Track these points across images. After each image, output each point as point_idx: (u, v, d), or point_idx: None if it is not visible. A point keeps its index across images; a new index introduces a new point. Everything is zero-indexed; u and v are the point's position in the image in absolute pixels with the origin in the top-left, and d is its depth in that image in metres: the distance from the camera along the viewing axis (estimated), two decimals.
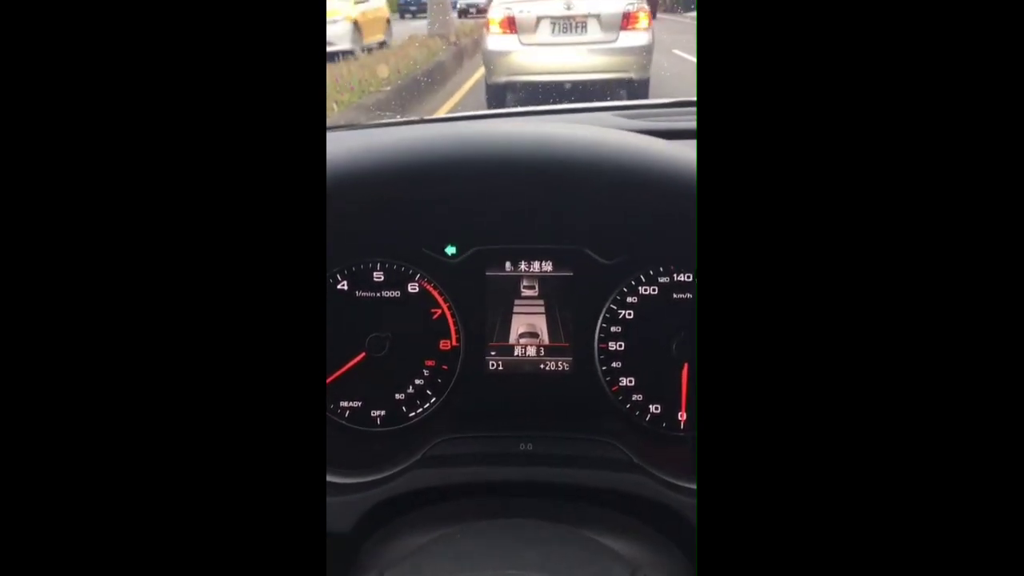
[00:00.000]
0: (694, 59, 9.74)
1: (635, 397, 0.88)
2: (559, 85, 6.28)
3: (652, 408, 0.87)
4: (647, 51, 6.22)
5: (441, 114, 4.64)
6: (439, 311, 0.88)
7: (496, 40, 6.24)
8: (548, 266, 0.88)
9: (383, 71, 6.95)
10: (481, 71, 7.96)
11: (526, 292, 0.88)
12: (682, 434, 0.87)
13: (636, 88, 6.24)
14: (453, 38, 10.96)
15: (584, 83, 6.21)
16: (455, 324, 0.88)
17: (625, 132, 0.72)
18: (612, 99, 6.18)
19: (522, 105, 6.39)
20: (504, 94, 6.57)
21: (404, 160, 0.67)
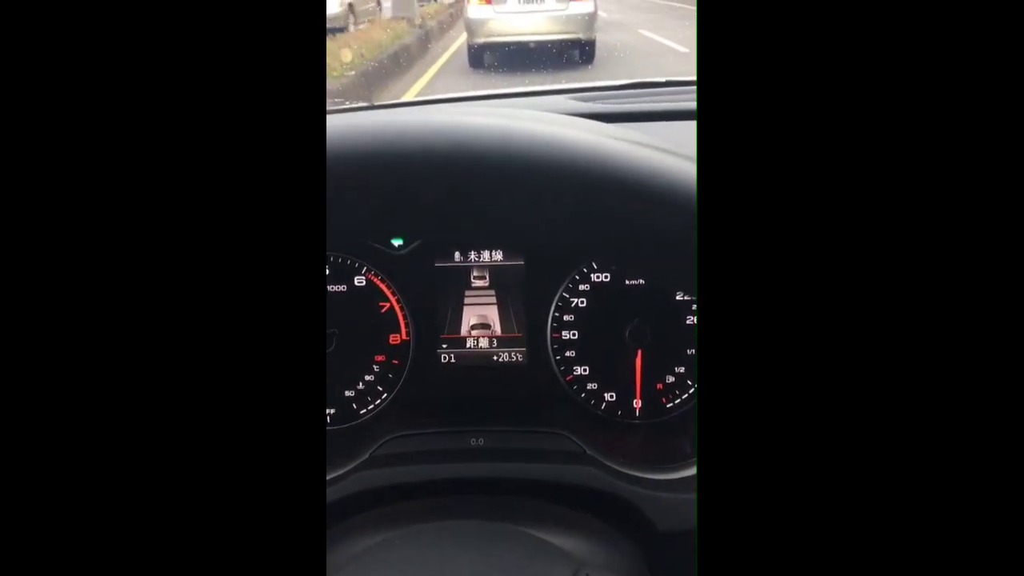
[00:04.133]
0: (660, 39, 9.81)
1: (590, 386, 0.86)
2: (525, 44, 8.49)
3: (607, 396, 0.86)
4: (591, 17, 8.42)
5: (408, 98, 4.58)
6: (387, 304, 0.85)
7: (475, 9, 8.42)
8: (498, 255, 0.86)
9: (346, 55, 6.83)
10: (448, 54, 9.92)
11: (477, 282, 0.86)
12: (637, 422, 0.86)
13: (584, 46, 8.48)
14: (418, 21, 10.81)
15: (544, 42, 8.38)
16: (404, 317, 0.85)
17: (575, 120, 0.70)
18: (566, 56, 8.63)
19: (497, 61, 8.42)
20: (482, 53, 8.65)
21: (349, 148, 0.64)
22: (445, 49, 10.46)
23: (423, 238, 0.56)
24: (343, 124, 0.63)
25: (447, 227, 0.46)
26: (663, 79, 1.31)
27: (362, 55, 7.36)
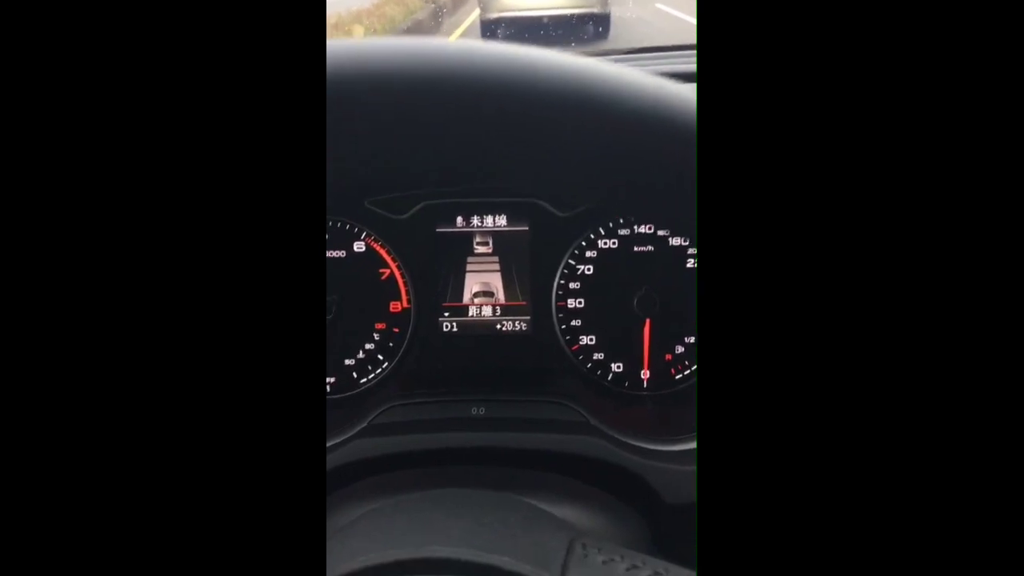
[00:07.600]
0: (675, 12, 9.69)
1: (596, 356, 0.84)
2: (539, 19, 8.39)
3: (614, 367, 0.84)
4: None
5: None
6: (388, 271, 0.83)
7: None
8: (502, 220, 0.83)
9: (358, 30, 6.77)
10: (460, 30, 9.95)
11: (479, 248, 0.84)
12: (645, 393, 0.84)
13: (599, 20, 8.48)
14: None
15: (558, 16, 8.35)
16: (405, 284, 0.83)
17: (589, 61, 0.66)
18: (581, 31, 8.09)
19: (510, 36, 8.27)
20: (496, 28, 8.56)
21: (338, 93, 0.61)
22: (458, 24, 10.39)
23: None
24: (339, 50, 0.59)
25: (461, 182, 0.43)
26: (675, 44, 1.26)
27: (374, 30, 7.29)
